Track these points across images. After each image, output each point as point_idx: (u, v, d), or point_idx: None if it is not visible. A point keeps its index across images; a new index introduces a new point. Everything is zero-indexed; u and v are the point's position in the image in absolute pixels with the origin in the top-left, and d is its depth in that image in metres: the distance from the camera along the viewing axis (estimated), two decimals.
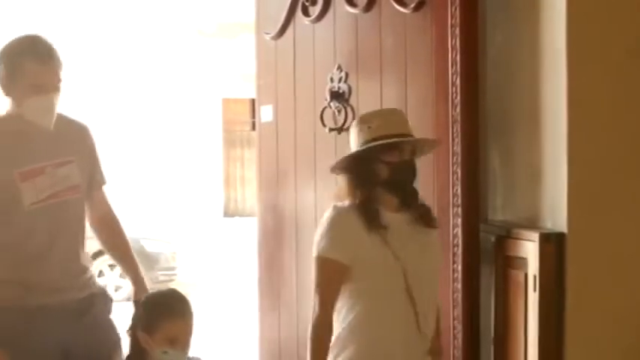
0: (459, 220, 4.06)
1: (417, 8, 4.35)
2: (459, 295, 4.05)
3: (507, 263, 3.99)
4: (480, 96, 4.18)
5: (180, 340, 3.59)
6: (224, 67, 17.30)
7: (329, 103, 4.92)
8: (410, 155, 3.63)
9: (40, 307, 3.78)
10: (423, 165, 3.90)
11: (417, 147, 3.70)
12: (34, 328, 3.76)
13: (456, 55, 4.10)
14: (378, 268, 3.51)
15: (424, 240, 3.63)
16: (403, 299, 3.52)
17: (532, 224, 3.93)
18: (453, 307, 4.06)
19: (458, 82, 4.10)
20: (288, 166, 5.45)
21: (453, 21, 4.11)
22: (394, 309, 3.52)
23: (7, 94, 3.90)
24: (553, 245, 3.70)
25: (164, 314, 3.62)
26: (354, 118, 4.63)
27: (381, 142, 3.53)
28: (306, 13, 5.18)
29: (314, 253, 3.55)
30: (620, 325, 3.77)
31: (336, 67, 4.93)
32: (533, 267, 3.75)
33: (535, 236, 3.73)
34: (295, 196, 5.37)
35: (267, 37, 5.54)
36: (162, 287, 4.74)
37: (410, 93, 4.45)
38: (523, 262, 3.83)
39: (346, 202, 3.59)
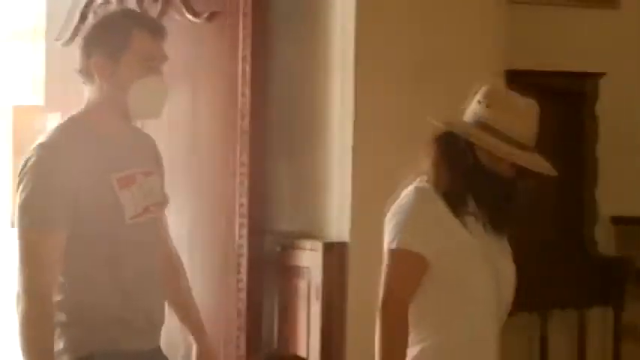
0: (245, 231, 4.08)
1: (209, 19, 4.36)
2: (243, 305, 4.06)
3: (292, 273, 4.03)
4: (269, 108, 4.22)
5: None
6: (15, 73, 16.76)
7: None
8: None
9: (138, 353, 2.83)
10: (206, 173, 3.90)
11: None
12: None
13: (245, 66, 4.14)
14: (468, 266, 2.77)
15: (501, 244, 2.88)
16: (494, 307, 2.83)
17: (317, 234, 3.99)
18: (237, 316, 4.08)
19: (247, 92, 4.14)
20: None
21: (245, 32, 4.15)
22: (488, 317, 2.81)
23: (106, 76, 2.82)
24: (336, 254, 3.77)
25: None
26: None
27: (484, 140, 2.72)
28: None
29: (389, 242, 2.78)
30: None
31: None
32: (316, 276, 3.81)
33: (318, 246, 3.80)
34: None
35: (58, 43, 5.41)
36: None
37: (200, 103, 4.45)
38: (307, 271, 3.89)
39: (425, 182, 2.81)
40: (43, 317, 2.64)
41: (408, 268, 2.74)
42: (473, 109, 2.78)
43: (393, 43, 3.96)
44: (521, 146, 2.71)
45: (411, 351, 2.73)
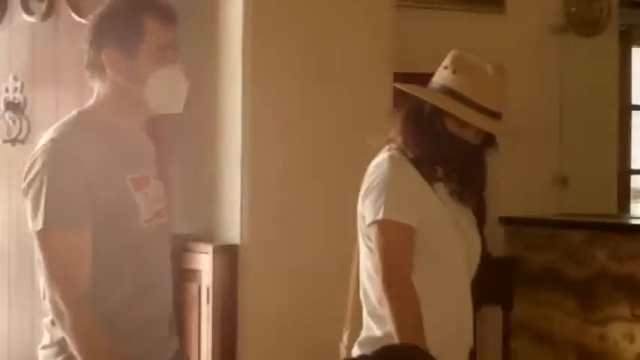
0: None
1: None
2: None
3: (184, 276, 3.99)
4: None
5: None
6: None
7: (3, 114, 4.75)
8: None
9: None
10: None
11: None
12: None
13: None
14: (443, 234, 2.74)
15: (467, 213, 2.84)
16: (467, 275, 2.82)
17: (209, 237, 3.97)
18: None
19: None
20: None
21: None
22: (462, 285, 2.80)
23: (121, 70, 2.53)
24: (227, 257, 3.76)
25: None
26: (29, 130, 4.49)
27: (453, 107, 2.68)
28: None
29: (373, 215, 2.66)
30: (292, 331, 3.88)
31: (12, 76, 4.77)
32: (207, 279, 3.78)
33: (209, 248, 3.77)
34: None
35: None
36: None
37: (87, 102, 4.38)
38: (198, 274, 3.85)
39: (394, 150, 2.74)
40: (94, 323, 2.42)
41: (401, 238, 2.65)
42: (439, 75, 2.73)
43: (284, 50, 3.98)
44: (488, 112, 2.67)
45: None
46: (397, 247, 2.64)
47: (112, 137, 2.57)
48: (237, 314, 3.76)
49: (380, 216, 2.63)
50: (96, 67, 2.55)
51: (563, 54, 5.18)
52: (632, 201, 6.29)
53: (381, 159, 2.72)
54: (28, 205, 2.46)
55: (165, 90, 2.57)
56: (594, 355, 4.61)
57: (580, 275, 4.70)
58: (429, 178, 2.70)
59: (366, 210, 2.69)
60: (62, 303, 2.39)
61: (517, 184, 4.83)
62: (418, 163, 2.69)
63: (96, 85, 2.59)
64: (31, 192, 2.45)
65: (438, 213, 2.70)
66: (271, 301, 3.84)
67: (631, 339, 4.50)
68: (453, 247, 2.73)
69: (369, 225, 2.67)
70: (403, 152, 2.70)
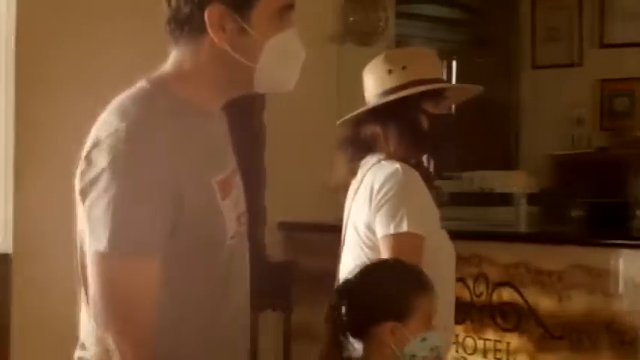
0: None
1: None
2: None
3: None
4: None
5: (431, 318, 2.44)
6: None
7: None
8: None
9: None
10: None
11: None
12: None
13: None
14: (441, 244, 2.82)
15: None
16: (453, 286, 2.90)
17: None
18: None
19: None
20: None
21: None
22: (451, 297, 2.85)
23: (230, 34, 1.92)
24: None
25: (417, 288, 2.36)
26: None
27: (432, 85, 2.79)
28: None
29: (393, 227, 2.66)
30: (66, 341, 3.79)
31: None
32: None
33: None
34: None
35: None
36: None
37: None
38: None
39: (397, 160, 2.77)
40: None
41: (417, 251, 2.65)
42: (387, 80, 2.82)
43: (54, 59, 3.90)
44: (439, 80, 2.85)
45: None
46: (413, 259, 2.56)
47: (198, 124, 1.96)
48: (9, 323, 3.65)
49: (403, 228, 2.64)
50: (190, 26, 1.92)
51: (341, 62, 5.31)
52: None
53: (393, 169, 2.73)
54: (86, 213, 1.83)
55: (281, 62, 1.99)
56: None
57: None
58: (431, 181, 2.80)
59: (380, 220, 2.69)
60: (116, 342, 1.81)
61: (295, 190, 4.90)
62: (423, 170, 2.79)
63: (178, 49, 1.96)
64: (94, 197, 1.82)
65: (437, 220, 2.79)
66: (46, 310, 3.74)
67: None
68: (447, 256, 2.83)
69: (384, 236, 2.68)
70: (404, 161, 2.75)
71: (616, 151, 6.43)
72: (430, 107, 2.81)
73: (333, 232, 5.04)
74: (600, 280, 3.88)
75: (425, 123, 2.80)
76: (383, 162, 2.78)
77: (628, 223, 4.26)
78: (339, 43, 5.32)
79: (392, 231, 2.66)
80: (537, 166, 6.41)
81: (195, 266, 1.89)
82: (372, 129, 2.82)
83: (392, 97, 2.78)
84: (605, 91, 6.71)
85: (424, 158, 2.91)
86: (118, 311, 1.81)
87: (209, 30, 1.90)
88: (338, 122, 2.96)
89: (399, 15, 5.93)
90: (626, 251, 3.94)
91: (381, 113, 2.81)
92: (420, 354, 2.28)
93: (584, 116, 6.69)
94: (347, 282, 2.34)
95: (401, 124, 2.79)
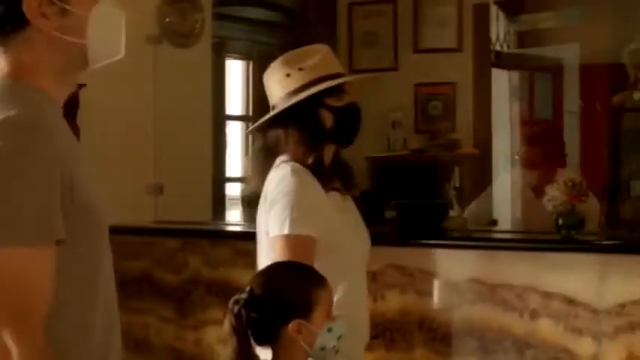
0: None
1: None
2: None
3: None
4: None
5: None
6: None
7: None
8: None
9: None
10: None
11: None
12: None
13: None
14: (343, 241, 2.84)
15: (352, 205, 3.00)
16: (363, 276, 2.96)
17: None
18: None
19: None
20: None
21: None
22: (362, 288, 2.93)
23: (55, 18, 1.92)
24: None
25: (315, 284, 2.40)
26: None
27: (330, 82, 2.84)
28: None
29: (278, 229, 2.73)
30: None
31: None
32: None
33: None
34: None
35: None
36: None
37: None
38: None
39: (293, 162, 2.83)
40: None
41: (304, 251, 2.69)
42: (288, 82, 2.86)
43: None
44: (339, 75, 2.88)
45: None
46: (302, 260, 2.62)
47: (59, 113, 1.98)
48: None
49: (286, 230, 2.71)
50: (12, 24, 1.91)
51: (158, 64, 5.25)
52: (227, 208, 6.49)
53: (285, 171, 2.79)
54: None
55: (106, 31, 2.00)
56: (191, 359, 4.69)
57: (175, 282, 4.76)
58: (326, 184, 2.82)
59: (271, 222, 2.76)
60: (16, 334, 1.80)
61: (112, 193, 4.79)
62: (317, 169, 2.81)
63: (11, 50, 1.94)
64: None
65: (335, 220, 2.82)
66: None
67: (225, 342, 4.62)
68: (352, 251, 2.88)
69: (274, 238, 2.74)
70: (302, 163, 2.80)
71: (431, 153, 6.60)
72: (333, 102, 2.87)
73: (151, 234, 5.02)
74: (413, 279, 3.97)
75: (328, 119, 2.86)
76: (281, 165, 2.84)
77: (443, 224, 4.37)
78: (156, 44, 5.25)
79: (277, 233, 2.74)
80: (355, 169, 6.50)
81: (80, 252, 1.90)
82: (276, 133, 2.89)
83: (293, 100, 2.84)
84: (420, 94, 6.88)
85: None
86: (15, 303, 1.80)
87: (31, 20, 1.90)
88: (247, 131, 3.03)
89: (217, 17, 5.91)
90: (439, 251, 4.05)
91: (283, 117, 2.86)
92: (329, 345, 2.35)
93: (400, 119, 6.84)
94: (246, 291, 2.34)
95: (299, 125, 2.85)
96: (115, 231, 4.75)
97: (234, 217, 6.39)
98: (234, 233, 5.18)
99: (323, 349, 2.34)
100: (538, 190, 4.46)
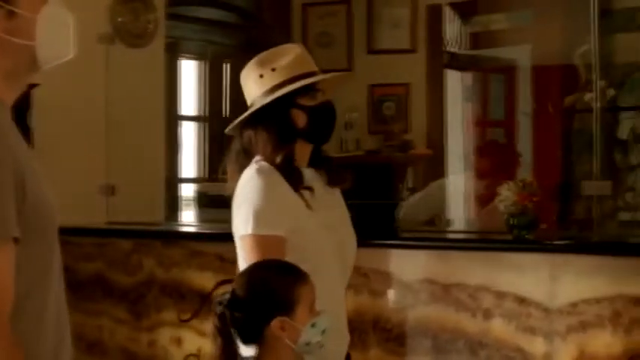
0: None
1: None
2: None
3: None
4: None
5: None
6: None
7: None
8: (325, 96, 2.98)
9: None
10: None
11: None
12: None
13: None
14: (314, 240, 2.83)
15: (338, 202, 3.02)
16: (339, 275, 2.93)
17: None
18: None
19: None
20: None
21: None
22: (333, 285, 2.88)
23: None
24: None
25: (296, 280, 2.48)
26: None
27: (301, 82, 2.86)
28: None
29: (243, 230, 2.75)
30: None
31: None
32: None
33: None
34: None
35: None
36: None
37: None
38: None
39: (263, 162, 2.84)
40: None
41: (272, 251, 2.72)
42: (261, 83, 2.88)
43: None
44: (312, 74, 2.89)
45: None
46: (273, 257, 2.69)
47: (8, 117, 1.97)
48: None
49: (250, 230, 2.73)
50: None
51: (110, 64, 5.22)
52: (180, 209, 6.47)
53: (251, 172, 2.81)
54: None
55: (55, 32, 2.00)
56: None
57: (129, 283, 4.74)
58: (297, 183, 2.82)
59: (238, 223, 2.79)
60: None
61: (64, 194, 4.75)
62: (286, 171, 2.81)
63: None
64: None
65: (305, 219, 2.81)
66: None
67: (178, 343, 4.61)
68: (323, 252, 2.84)
69: (242, 237, 2.77)
70: (272, 162, 2.81)
71: (384, 154, 6.62)
72: (306, 101, 2.88)
73: (104, 235, 5.00)
74: (368, 279, 3.99)
75: (301, 118, 2.87)
76: (252, 165, 2.85)
77: (396, 224, 4.39)
78: (108, 44, 5.22)
79: (243, 232, 2.77)
80: None
81: (32, 251, 1.90)
82: (249, 134, 2.90)
83: (265, 100, 2.84)
84: (374, 95, 6.90)
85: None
86: None
87: None
88: (226, 130, 2.99)
89: (171, 17, 5.88)
90: (393, 251, 4.07)
91: (255, 118, 2.87)
92: (313, 340, 2.41)
93: (354, 120, 6.85)
94: (229, 292, 2.40)
95: (268, 125, 2.86)
96: (68, 232, 4.74)
97: (188, 218, 6.37)
98: (187, 234, 5.17)
99: (308, 344, 2.40)
100: (487, 199, 4.54)
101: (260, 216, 2.74)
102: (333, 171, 3.00)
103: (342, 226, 3.00)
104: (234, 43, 7.01)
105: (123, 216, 5.15)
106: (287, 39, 6.98)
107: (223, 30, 6.96)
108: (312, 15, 7.06)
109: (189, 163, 6.67)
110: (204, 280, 4.48)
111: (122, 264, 4.76)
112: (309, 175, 2.90)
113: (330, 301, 2.86)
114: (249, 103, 2.93)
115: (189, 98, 6.69)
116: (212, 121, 6.74)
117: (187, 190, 6.59)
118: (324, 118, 2.94)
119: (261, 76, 2.90)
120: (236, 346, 2.38)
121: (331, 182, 2.98)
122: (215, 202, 5.12)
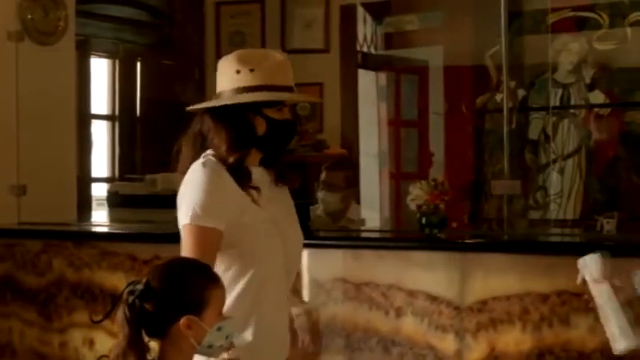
0: None
1: None
2: None
3: None
4: None
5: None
6: None
7: None
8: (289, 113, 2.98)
9: None
10: None
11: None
12: None
13: None
14: (259, 235, 2.84)
15: (286, 200, 3.01)
16: (281, 270, 2.91)
17: None
18: None
19: None
20: None
21: None
22: (276, 280, 2.88)
23: None
24: None
25: (209, 282, 2.47)
26: None
27: (273, 95, 2.85)
28: None
29: (184, 219, 2.77)
30: None
31: None
32: None
33: None
34: None
35: None
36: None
37: None
38: None
39: (211, 157, 2.84)
40: None
41: (205, 241, 2.75)
42: (233, 80, 2.85)
43: None
44: (287, 88, 2.87)
45: None
46: (201, 250, 2.73)
47: None
48: None
49: (188, 220, 2.75)
50: None
51: (20, 61, 5.15)
52: (93, 208, 6.39)
53: (196, 165, 2.82)
54: None
55: None
56: None
57: (39, 284, 4.68)
58: (244, 183, 2.82)
59: (180, 213, 2.80)
60: None
61: None
62: (234, 171, 2.81)
63: None
64: None
65: (252, 213, 2.81)
66: None
67: (90, 345, 4.58)
68: (267, 247, 2.84)
69: (182, 227, 2.78)
70: (222, 160, 2.82)
71: (299, 154, 6.64)
72: (271, 113, 2.87)
73: (13, 236, 4.92)
74: None
75: (261, 127, 2.87)
76: (200, 158, 2.84)
77: (309, 223, 4.41)
78: (18, 42, 5.15)
79: (183, 222, 2.79)
80: None
81: None
82: (209, 124, 2.89)
83: (233, 99, 2.84)
84: None
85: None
86: None
87: None
88: (188, 109, 2.96)
89: (82, 14, 5.81)
90: (306, 250, 4.08)
91: (218, 110, 2.87)
92: (217, 343, 2.41)
93: None
94: (142, 282, 2.38)
95: (229, 124, 2.86)
96: None
97: (100, 218, 6.30)
98: (98, 234, 5.12)
99: (210, 346, 2.40)
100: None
101: (200, 207, 2.76)
102: (282, 170, 3.00)
103: (286, 223, 2.99)
104: (146, 41, 6.95)
105: (35, 216, 5.08)
106: (200, 38, 6.96)
107: (135, 28, 6.89)
108: (225, 14, 7.04)
109: (101, 163, 6.60)
110: (116, 280, 4.44)
111: (32, 265, 4.70)
112: (258, 172, 2.90)
113: (275, 300, 2.90)
114: (217, 90, 2.92)
115: (101, 97, 6.61)
116: (124, 119, 6.66)
117: (99, 190, 6.52)
118: (283, 135, 2.94)
119: (238, 71, 2.88)
120: (142, 336, 2.37)
121: (279, 180, 2.98)
122: (127, 202, 5.08)
